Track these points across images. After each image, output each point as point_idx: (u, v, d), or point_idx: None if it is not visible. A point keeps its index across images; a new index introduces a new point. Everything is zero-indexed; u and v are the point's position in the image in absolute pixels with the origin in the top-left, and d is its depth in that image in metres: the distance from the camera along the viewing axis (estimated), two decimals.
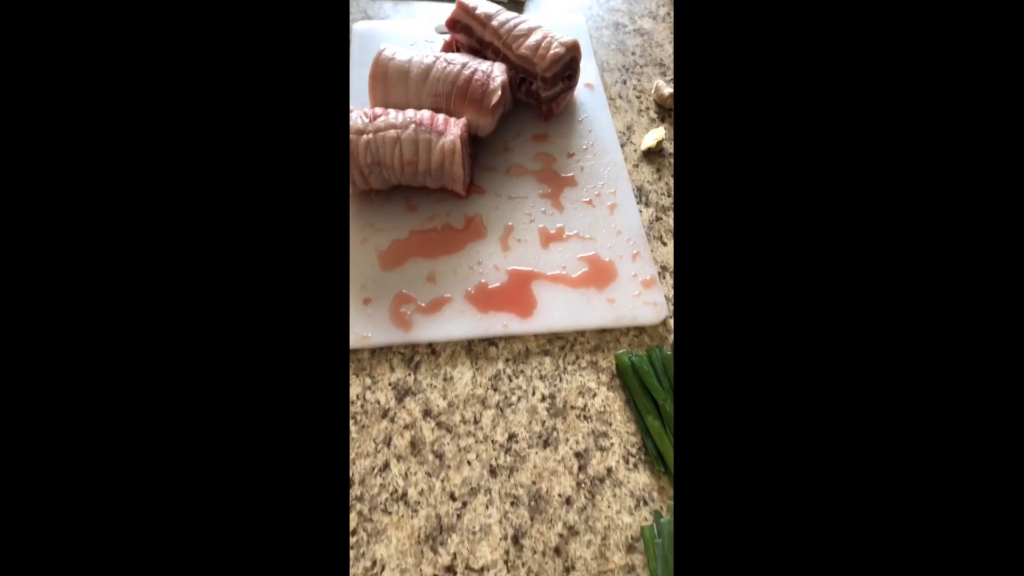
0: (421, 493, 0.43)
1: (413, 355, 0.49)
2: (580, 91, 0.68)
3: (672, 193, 0.60)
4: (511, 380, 0.48)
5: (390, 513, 0.42)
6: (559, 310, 0.51)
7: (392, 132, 0.52)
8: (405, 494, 0.43)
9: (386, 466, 0.44)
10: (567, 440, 0.45)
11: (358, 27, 0.74)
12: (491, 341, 0.50)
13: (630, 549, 0.41)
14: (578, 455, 0.45)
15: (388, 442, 0.45)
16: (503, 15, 0.62)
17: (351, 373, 0.48)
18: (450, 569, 0.40)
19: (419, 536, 0.41)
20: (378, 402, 0.47)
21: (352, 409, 0.46)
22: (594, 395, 0.47)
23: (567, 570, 0.40)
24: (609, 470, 0.44)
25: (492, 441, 0.45)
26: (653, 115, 0.67)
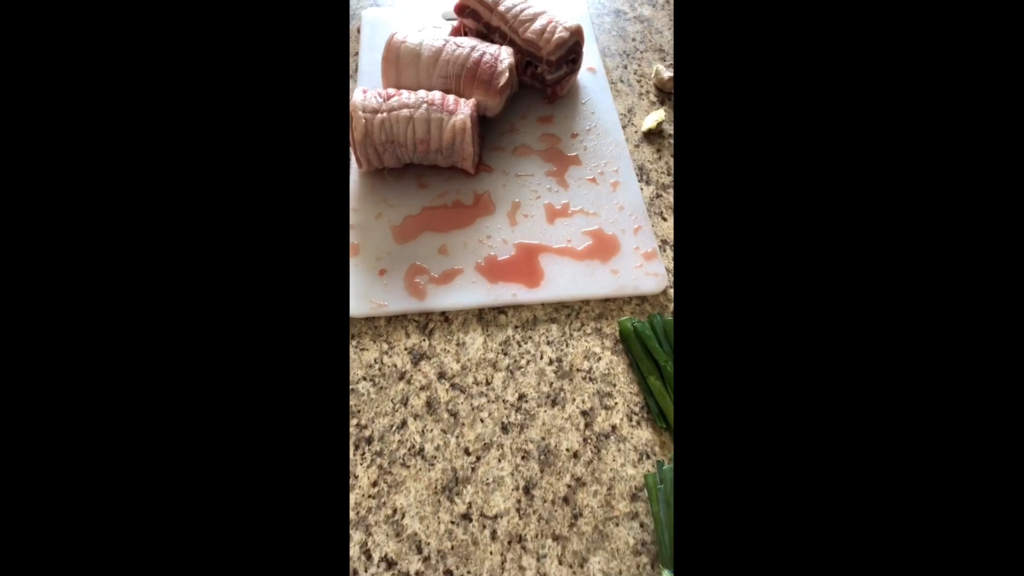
0: (437, 448, 0.46)
1: (427, 322, 0.52)
2: (583, 75, 0.70)
3: (671, 172, 0.63)
4: (520, 345, 0.51)
5: (408, 467, 0.45)
6: (565, 280, 0.53)
7: (405, 111, 0.55)
8: (422, 449, 0.45)
9: (404, 424, 0.47)
10: (574, 400, 0.48)
11: (367, 14, 0.77)
12: (501, 309, 0.53)
13: (634, 498, 0.44)
14: (584, 413, 0.47)
15: (405, 402, 0.48)
16: (509, 1, 0.64)
17: (369, 339, 0.51)
18: (466, 516, 0.43)
19: (436, 487, 0.44)
20: (395, 366, 0.49)
21: (370, 372, 0.49)
22: (599, 359, 0.50)
23: (575, 517, 0.43)
24: (614, 427, 0.47)
25: (503, 401, 0.48)
26: (653, 98, 0.70)
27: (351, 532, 0.42)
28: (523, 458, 0.45)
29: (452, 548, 0.41)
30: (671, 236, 0.58)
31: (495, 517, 0.43)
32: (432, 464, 0.45)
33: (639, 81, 0.71)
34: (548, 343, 0.51)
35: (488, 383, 0.49)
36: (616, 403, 0.48)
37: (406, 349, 0.50)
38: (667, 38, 0.77)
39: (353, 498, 0.43)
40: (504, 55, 0.60)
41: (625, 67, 0.73)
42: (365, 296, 0.52)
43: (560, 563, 0.41)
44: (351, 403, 0.48)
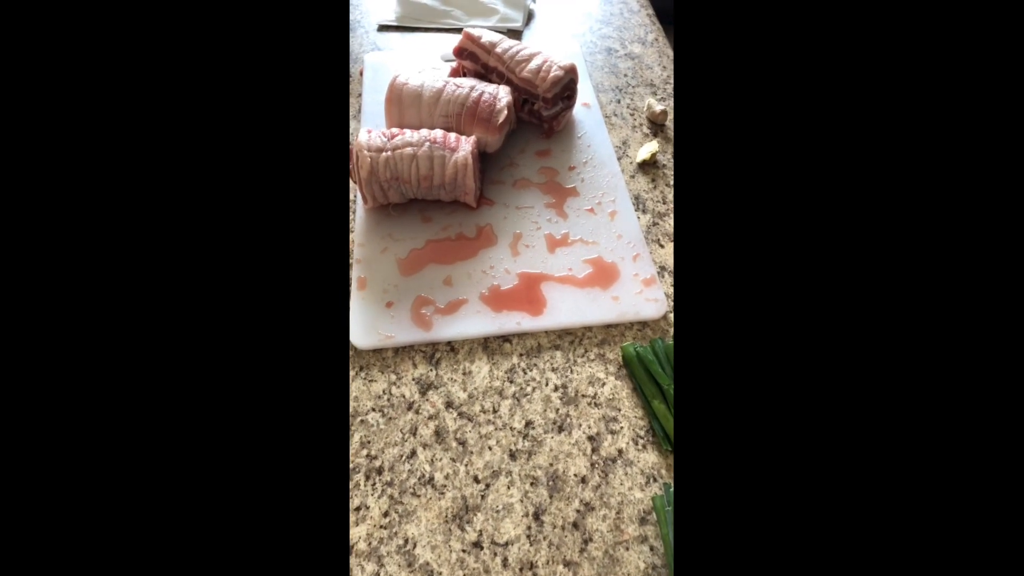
0: (447, 477, 0.46)
1: (434, 352, 0.53)
2: (578, 110, 0.73)
3: (667, 200, 0.65)
4: (526, 372, 0.52)
5: (419, 496, 0.45)
6: (567, 308, 0.55)
7: (409, 150, 0.57)
8: (432, 478, 0.46)
9: (413, 454, 0.47)
10: (580, 425, 0.49)
11: (370, 58, 0.80)
12: (505, 338, 0.54)
13: (643, 521, 0.44)
14: (591, 438, 0.48)
15: (414, 432, 0.48)
16: (506, 43, 0.67)
17: (378, 370, 0.52)
18: (477, 544, 0.43)
19: (447, 516, 0.44)
20: (403, 396, 0.50)
21: (379, 403, 0.50)
22: (603, 384, 0.51)
23: (585, 542, 0.43)
24: (620, 451, 0.47)
25: (511, 428, 0.49)
26: (646, 131, 0.72)
27: (363, 563, 0.42)
28: (532, 484, 0.46)
29: None
30: (669, 262, 0.60)
31: (506, 544, 0.43)
32: (442, 493, 0.45)
33: (632, 115, 0.74)
34: (553, 370, 0.52)
35: (495, 411, 0.49)
36: (622, 427, 0.49)
37: (414, 379, 0.51)
38: (657, 73, 0.80)
39: (365, 529, 0.44)
40: (502, 94, 0.63)
41: (618, 102, 0.76)
42: (373, 328, 0.53)
43: None
44: (361, 434, 0.48)
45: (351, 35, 0.87)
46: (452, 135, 0.59)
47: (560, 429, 0.49)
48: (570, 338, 0.54)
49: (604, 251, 0.59)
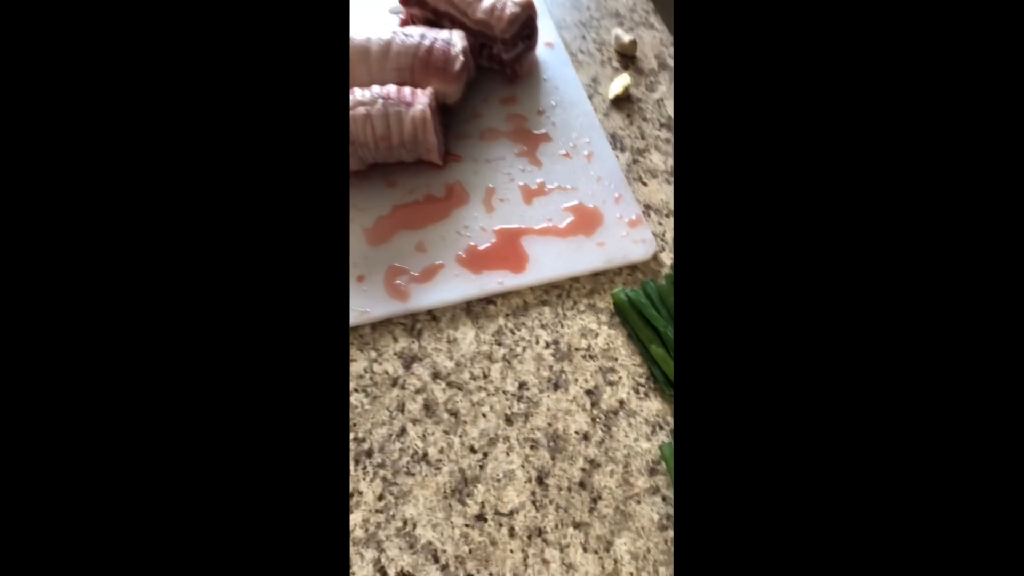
0: (441, 451, 0.43)
1: (414, 323, 0.50)
2: (541, 50, 0.68)
3: (645, 136, 0.61)
4: (514, 333, 0.49)
5: (413, 474, 0.43)
6: (551, 261, 0.51)
7: (361, 109, 0.53)
8: (425, 454, 0.43)
9: (403, 431, 0.44)
10: (576, 380, 0.46)
11: None
12: (489, 299, 0.50)
13: (652, 472, 0.42)
14: (589, 392, 0.45)
15: (402, 408, 0.45)
16: None
17: (356, 349, 0.48)
18: (480, 516, 0.41)
19: (445, 491, 0.42)
20: (386, 372, 0.47)
21: (361, 383, 0.47)
22: (596, 335, 0.48)
23: (594, 500, 0.41)
24: (621, 402, 0.45)
25: (503, 392, 0.46)
26: (616, 64, 0.68)
27: (362, 551, 0.40)
28: (532, 448, 0.43)
29: (470, 552, 0.39)
30: (654, 200, 0.56)
31: (510, 513, 0.41)
32: (438, 468, 0.43)
33: (599, 49, 0.69)
34: (542, 327, 0.49)
35: (486, 376, 0.46)
36: (620, 377, 0.46)
37: (396, 354, 0.48)
38: (623, 2, 0.75)
39: (360, 515, 0.41)
40: (456, 39, 0.58)
41: (583, 37, 0.71)
42: None
43: (585, 550, 0.39)
44: None
45: None
46: (407, 89, 0.55)
47: (556, 387, 0.46)
48: (557, 291, 0.51)
49: (584, 196, 0.55)
